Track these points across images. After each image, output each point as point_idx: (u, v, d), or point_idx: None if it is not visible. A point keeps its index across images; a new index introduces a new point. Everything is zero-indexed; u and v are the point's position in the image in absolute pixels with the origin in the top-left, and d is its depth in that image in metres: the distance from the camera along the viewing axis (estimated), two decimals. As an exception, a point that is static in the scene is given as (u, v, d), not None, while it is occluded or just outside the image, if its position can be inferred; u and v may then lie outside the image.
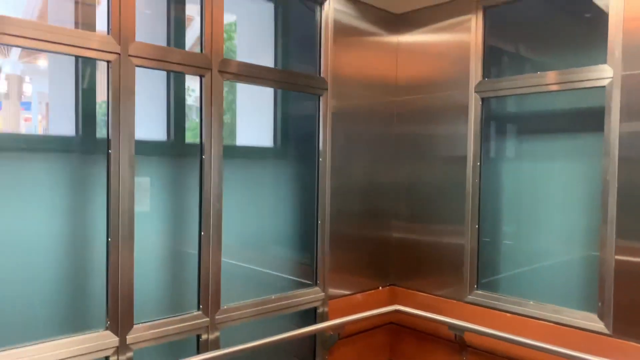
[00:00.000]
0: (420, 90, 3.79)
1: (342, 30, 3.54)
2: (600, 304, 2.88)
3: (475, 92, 3.46)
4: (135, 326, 2.62)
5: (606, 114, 2.88)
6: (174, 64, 2.74)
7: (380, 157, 3.89)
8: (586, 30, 3.30)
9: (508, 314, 3.26)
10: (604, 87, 2.89)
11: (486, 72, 3.47)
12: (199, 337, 2.91)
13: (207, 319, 2.91)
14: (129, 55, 2.54)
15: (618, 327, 2.80)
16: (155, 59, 2.66)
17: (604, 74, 2.89)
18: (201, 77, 2.86)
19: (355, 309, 3.63)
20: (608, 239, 2.84)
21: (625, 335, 2.77)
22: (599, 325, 2.87)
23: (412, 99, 3.85)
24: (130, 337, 2.59)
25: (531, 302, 3.20)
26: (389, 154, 3.94)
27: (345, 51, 3.57)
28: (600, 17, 2.97)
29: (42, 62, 3.44)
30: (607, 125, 2.87)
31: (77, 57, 2.81)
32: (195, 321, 2.87)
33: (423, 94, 3.78)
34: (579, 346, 2.89)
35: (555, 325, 3.04)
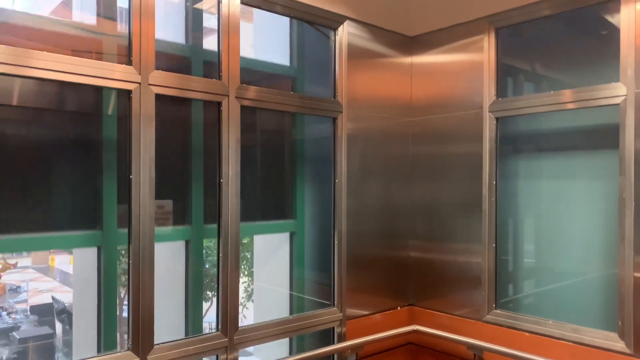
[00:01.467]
0: (435, 111, 3.84)
1: (356, 54, 3.62)
2: (620, 323, 2.83)
3: (490, 111, 3.48)
4: (155, 347, 2.68)
5: (621, 132, 2.87)
6: (192, 92, 2.85)
7: (396, 177, 3.93)
8: (599, 48, 3.31)
9: (527, 334, 3.22)
10: (617, 105, 2.89)
11: (500, 92, 3.50)
12: (217, 357, 2.96)
13: (226, 339, 2.95)
14: (149, 84, 2.65)
15: (639, 347, 2.75)
16: (174, 87, 2.76)
17: (618, 92, 2.89)
18: (219, 103, 2.95)
19: (373, 329, 3.63)
20: (626, 257, 2.81)
21: (647, 356, 2.73)
22: (619, 344, 2.83)
23: (426, 119, 3.90)
24: (151, 358, 2.65)
25: (550, 322, 3.16)
26: (405, 173, 3.97)
27: (359, 74, 3.65)
28: (613, 35, 2.99)
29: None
30: (622, 143, 2.87)
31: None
32: (214, 341, 2.91)
33: (437, 114, 3.82)
34: (599, 367, 2.85)
35: (575, 344, 3.00)
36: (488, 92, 3.49)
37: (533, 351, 3.12)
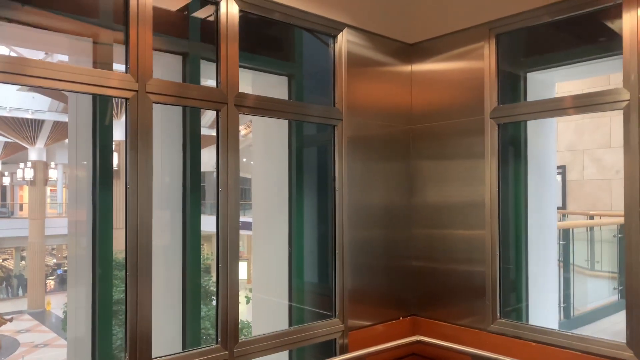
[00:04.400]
0: (436, 118, 3.79)
1: (356, 62, 3.58)
2: (628, 331, 2.78)
3: (491, 118, 3.44)
4: (153, 361, 2.61)
5: (624, 137, 2.84)
6: (190, 100, 2.80)
7: (397, 185, 3.87)
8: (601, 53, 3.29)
9: (533, 344, 3.16)
10: (621, 110, 2.86)
11: (501, 98, 3.46)
12: (217, 371, 2.89)
13: (226, 352, 2.88)
14: (147, 92, 2.61)
15: (649, 357, 2.70)
16: (171, 95, 2.72)
17: (621, 97, 2.86)
18: (217, 111, 2.91)
19: (375, 341, 3.57)
20: (634, 265, 2.76)
21: (657, 365, 2.67)
22: (627, 353, 2.77)
23: (427, 127, 3.85)
24: (148, 372, 2.58)
25: (557, 331, 3.10)
26: (406, 181, 3.92)
27: (359, 81, 3.61)
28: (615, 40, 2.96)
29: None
30: (626, 147, 2.83)
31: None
32: (214, 355, 2.84)
33: (438, 121, 3.77)
34: (608, 377, 2.79)
35: (583, 354, 2.94)
36: (489, 98, 3.45)
37: (539, 361, 3.06)
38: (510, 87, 3.71)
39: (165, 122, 3.45)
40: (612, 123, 9.22)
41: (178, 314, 3.39)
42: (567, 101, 3.12)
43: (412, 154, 3.93)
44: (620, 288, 8.26)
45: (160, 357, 2.65)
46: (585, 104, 3.04)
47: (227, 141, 2.92)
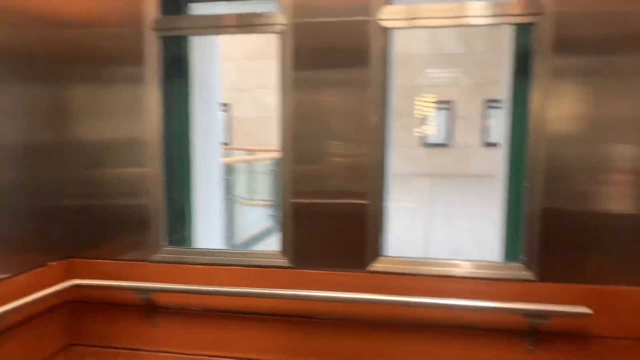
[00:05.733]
0: (87, 26, 3.17)
1: None
2: (282, 242, 3.04)
3: (152, 29, 3.09)
4: None
5: (279, 63, 2.95)
6: None
7: (41, 110, 3.10)
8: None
9: (198, 266, 3.13)
10: (278, 34, 2.97)
11: (168, 9, 3.13)
12: None
13: None
14: None
15: (298, 262, 3.01)
16: None
17: (279, 20, 2.95)
18: None
19: (19, 294, 2.88)
20: (285, 189, 2.98)
21: (303, 267, 3.01)
22: (282, 260, 3.04)
23: (78, 37, 3.18)
24: None
25: (218, 250, 3.18)
26: (54, 106, 3.19)
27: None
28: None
29: None
30: (280, 75, 2.95)
31: None
32: None
33: (90, 29, 3.17)
34: (267, 282, 3.02)
35: (245, 267, 3.08)
36: (151, 7, 3.07)
37: (205, 282, 3.06)
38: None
39: None
40: (270, 66, 10.19)
41: None
42: (231, 19, 3.05)
43: (62, 70, 3.20)
44: (274, 215, 9.49)
45: None
46: (247, 23, 3.03)
47: None
